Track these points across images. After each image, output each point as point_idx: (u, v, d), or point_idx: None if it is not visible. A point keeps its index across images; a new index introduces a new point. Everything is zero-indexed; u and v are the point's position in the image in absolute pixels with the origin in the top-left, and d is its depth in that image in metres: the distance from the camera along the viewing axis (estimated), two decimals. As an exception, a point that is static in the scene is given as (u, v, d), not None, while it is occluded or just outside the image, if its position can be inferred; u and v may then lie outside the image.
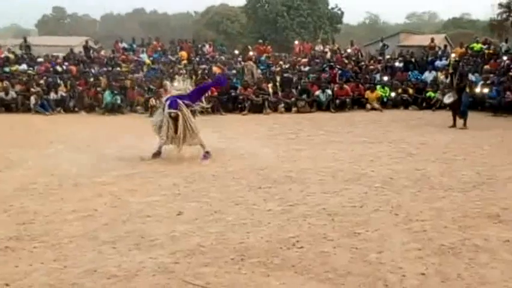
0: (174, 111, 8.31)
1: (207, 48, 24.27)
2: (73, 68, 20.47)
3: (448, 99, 12.59)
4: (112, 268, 4.12)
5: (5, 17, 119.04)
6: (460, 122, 12.50)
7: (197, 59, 22.10)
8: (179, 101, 8.43)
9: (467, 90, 12.87)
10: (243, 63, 20.45)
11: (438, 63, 19.77)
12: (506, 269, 4.05)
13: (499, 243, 4.59)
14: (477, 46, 21.01)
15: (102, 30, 65.04)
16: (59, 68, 20.58)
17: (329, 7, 46.84)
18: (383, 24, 71.90)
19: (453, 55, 21.00)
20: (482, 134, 11.74)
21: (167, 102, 8.52)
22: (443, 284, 3.82)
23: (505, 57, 18.59)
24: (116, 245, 4.63)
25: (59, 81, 18.66)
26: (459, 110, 12.48)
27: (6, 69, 20.07)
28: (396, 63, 20.49)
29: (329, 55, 22.17)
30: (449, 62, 19.81)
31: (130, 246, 4.61)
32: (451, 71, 13.38)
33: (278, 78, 18.61)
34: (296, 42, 27.24)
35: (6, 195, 6.41)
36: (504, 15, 25.71)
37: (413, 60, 20.63)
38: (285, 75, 19.08)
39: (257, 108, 16.82)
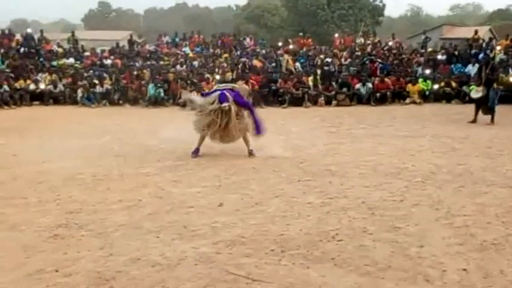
0: (227, 104, 8.14)
1: (247, 41, 24.36)
2: (118, 62, 20.93)
3: (475, 93, 12.12)
4: (155, 257, 4.23)
5: (54, 12, 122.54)
6: (484, 118, 12.04)
7: (238, 52, 22.21)
8: (228, 94, 8.27)
9: (495, 85, 12.38)
10: (279, 57, 20.43)
11: (482, 56, 19.25)
12: (550, 266, 3.98)
13: (544, 240, 4.50)
14: (524, 38, 20.34)
15: (145, 24, 66.17)
16: (104, 62, 21.08)
17: (370, 0, 46.18)
18: (425, 16, 70.34)
19: (498, 48, 20.41)
20: (528, 128, 11.41)
21: (215, 95, 8.31)
22: (484, 280, 3.79)
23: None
24: (160, 235, 4.76)
25: (104, 74, 19.13)
26: (485, 105, 12.00)
27: (54, 63, 20.69)
28: (439, 56, 20.07)
29: (369, 48, 21.90)
30: (494, 55, 19.30)
31: (173, 235, 4.73)
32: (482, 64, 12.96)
33: (318, 71, 18.53)
34: (336, 35, 27.01)
35: (55, 185, 6.65)
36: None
37: (456, 53, 20.14)
38: (326, 68, 18.98)
39: (297, 102, 16.82)
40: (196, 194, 6.15)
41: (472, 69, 17.97)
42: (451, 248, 4.36)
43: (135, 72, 19.23)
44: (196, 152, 8.50)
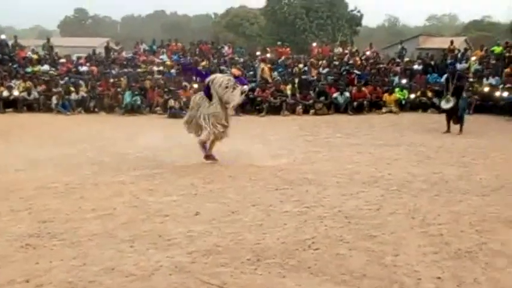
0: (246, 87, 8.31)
1: (226, 49, 24.38)
2: (94, 69, 20.74)
3: (446, 104, 12.24)
4: (130, 267, 4.18)
5: (29, 18, 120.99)
6: (455, 127, 12.23)
7: (215, 60, 22.20)
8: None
9: (464, 94, 12.62)
10: (256, 64, 20.50)
11: (458, 66, 19.58)
12: (523, 274, 4.03)
13: (517, 248, 4.56)
14: (498, 49, 20.76)
15: (123, 31, 65.71)
16: (80, 69, 20.86)
17: (348, 9, 46.62)
18: (402, 26, 71.36)
19: (473, 58, 20.80)
20: (501, 137, 11.62)
21: (231, 83, 8.19)
22: (459, 288, 3.82)
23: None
24: (135, 244, 4.70)
25: (80, 81, 18.92)
26: (455, 115, 12.19)
27: (29, 69, 20.41)
28: (416, 66, 20.37)
29: (347, 57, 22.12)
30: (469, 65, 19.68)
31: (148, 245, 4.67)
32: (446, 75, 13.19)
33: (296, 80, 18.62)
34: (314, 44, 27.20)
35: (28, 194, 6.52)
36: (526, 18, 25.41)
37: (432, 63, 20.47)
38: (303, 77, 19.08)
39: (275, 110, 16.85)
40: (172, 203, 6.09)
41: (447, 79, 18.24)
42: (426, 257, 4.38)
43: (111, 80, 19.08)
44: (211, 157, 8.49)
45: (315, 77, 19.19)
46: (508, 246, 4.60)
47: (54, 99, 17.61)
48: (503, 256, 4.38)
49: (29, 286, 3.83)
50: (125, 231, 5.06)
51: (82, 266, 4.19)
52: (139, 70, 20.72)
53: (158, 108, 17.50)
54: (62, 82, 18.97)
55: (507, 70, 17.10)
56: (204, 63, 21.33)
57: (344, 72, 19.93)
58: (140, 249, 4.58)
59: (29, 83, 18.46)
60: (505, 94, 15.84)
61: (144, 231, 5.04)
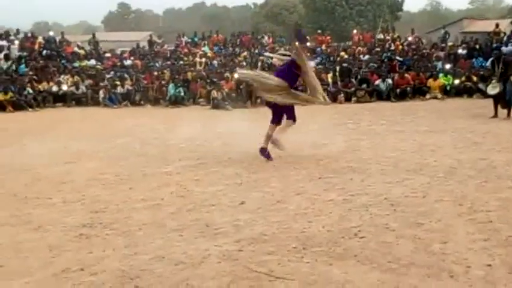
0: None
1: (266, 39, 24.36)
2: (138, 63, 21.12)
3: (492, 90, 11.97)
4: (179, 255, 4.26)
5: (74, 14, 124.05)
6: (503, 112, 11.93)
7: (256, 51, 22.23)
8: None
9: (511, 78, 12.24)
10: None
11: (504, 49, 18.95)
12: None
13: None
14: (546, 30, 20.01)
15: (165, 24, 66.56)
16: (125, 63, 21.29)
17: (389, -5, 45.75)
18: (445, 10, 69.42)
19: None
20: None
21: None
22: (510, 275, 3.74)
23: None
24: (183, 233, 4.79)
25: (125, 75, 19.32)
26: (503, 100, 11.88)
27: (76, 64, 20.97)
28: (460, 51, 19.87)
29: (388, 44, 21.75)
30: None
31: (196, 234, 4.76)
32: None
33: (337, 68, 18.45)
34: (355, 31, 26.83)
35: (80, 185, 6.75)
36: None
37: (477, 47, 19.89)
38: (344, 65, 18.89)
39: (317, 99, 16.73)
40: (218, 193, 6.18)
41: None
42: (475, 244, 4.31)
43: (155, 73, 19.39)
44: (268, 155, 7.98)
45: (357, 64, 18.95)
46: (560, 233, 4.48)
47: (101, 93, 18.07)
48: (555, 243, 4.27)
49: (83, 274, 3.95)
50: (173, 220, 5.17)
51: (134, 255, 4.29)
52: (181, 62, 20.97)
53: (201, 99, 17.71)
54: (108, 76, 19.42)
55: None
56: (244, 53, 21.42)
57: (386, 59, 19.62)
58: (189, 238, 4.66)
59: (76, 78, 18.99)
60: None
61: (191, 221, 5.14)
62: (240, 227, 4.93)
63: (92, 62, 21.48)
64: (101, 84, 18.48)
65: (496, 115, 11.90)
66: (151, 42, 23.96)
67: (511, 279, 3.68)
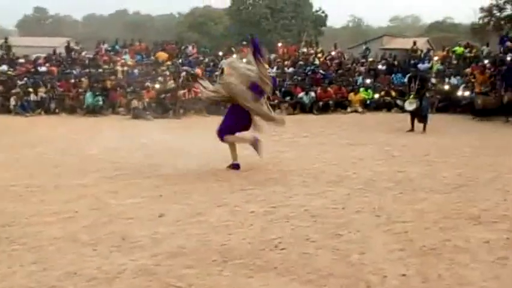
0: None
1: (190, 49, 24.21)
2: (54, 69, 20.28)
3: (409, 105, 12.49)
4: (92, 270, 4.07)
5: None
6: (419, 126, 12.49)
7: (180, 60, 22.02)
8: None
9: (427, 94, 12.93)
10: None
11: (421, 66, 19.97)
12: (485, 269, 4.09)
13: (479, 244, 4.63)
14: (459, 50, 21.31)
15: (84, 31, 64.51)
16: (39, 69, 20.36)
17: (313, 10, 47.01)
18: (366, 27, 72.29)
19: (435, 58, 21.28)
20: (463, 136, 11.88)
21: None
22: (423, 284, 3.84)
23: (486, 61, 18.84)
24: (97, 247, 4.58)
25: (39, 82, 18.47)
26: (419, 115, 12.44)
27: (-14, 70, 19.83)
28: (380, 66, 20.68)
29: (312, 58, 22.28)
30: (432, 65, 20.12)
31: (111, 248, 4.56)
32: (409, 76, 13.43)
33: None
34: (280, 44, 27.28)
35: (-14, 197, 6.31)
36: (485, 20, 26.15)
37: (395, 63, 20.82)
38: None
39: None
40: (136, 205, 5.97)
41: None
42: (392, 254, 4.40)
43: (72, 80, 18.68)
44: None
45: (281, 77, 19.23)
46: (470, 243, 4.67)
47: (12, 100, 17.17)
48: (466, 252, 4.44)
49: (-13, 293, 3.69)
50: (88, 234, 4.93)
51: (43, 271, 4.06)
52: (100, 70, 20.36)
53: (121, 108, 17.23)
54: (20, 83, 18.48)
55: (467, 70, 17.51)
56: (168, 62, 21.16)
57: (309, 72, 20.06)
58: (103, 252, 4.47)
59: (-14, 84, 17.93)
60: (466, 94, 16.22)
61: (106, 234, 4.92)
62: (158, 240, 4.76)
63: (4, 67, 20.38)
64: (13, 91, 17.54)
65: (412, 129, 12.44)
66: (68, 49, 23.10)
67: (425, 289, 3.78)
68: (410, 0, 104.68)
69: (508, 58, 18.40)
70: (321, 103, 17.33)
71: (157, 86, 17.60)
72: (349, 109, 17.38)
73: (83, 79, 18.87)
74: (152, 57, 22.35)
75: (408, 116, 12.78)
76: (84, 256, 4.38)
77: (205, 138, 11.35)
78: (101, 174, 7.70)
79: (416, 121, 12.47)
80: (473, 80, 17.07)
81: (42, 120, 16.16)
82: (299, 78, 19.20)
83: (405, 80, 16.43)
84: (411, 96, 12.46)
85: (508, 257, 4.31)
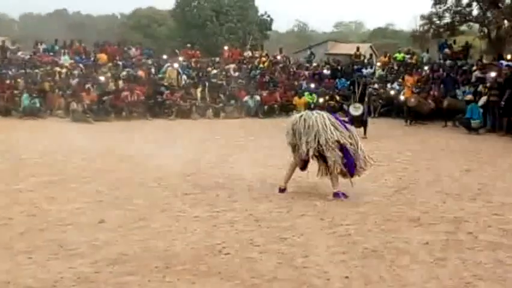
0: None
1: (133, 51, 23.73)
2: (-13, 70, 19.31)
3: (355, 111, 12.50)
4: (27, 279, 3.92)
5: None
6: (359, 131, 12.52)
7: (122, 62, 21.53)
8: None
9: (366, 99, 13.07)
10: (166, 67, 20.14)
11: (364, 71, 20.43)
12: (425, 270, 4.19)
13: (419, 246, 4.76)
14: (400, 56, 21.95)
15: (21, 30, 62.04)
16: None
17: (259, 14, 47.23)
18: (311, 32, 73.28)
19: (378, 64, 21.82)
20: (405, 140, 12.22)
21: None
22: (366, 286, 3.90)
23: (426, 67, 19.49)
24: (33, 255, 4.39)
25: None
26: (360, 120, 12.35)
27: None
28: (324, 71, 20.98)
29: (257, 61, 22.37)
30: (374, 71, 20.61)
31: (48, 256, 4.39)
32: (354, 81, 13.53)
33: (206, 84, 18.50)
34: (226, 47, 27.23)
35: None
36: (425, 27, 27.07)
37: (340, 68, 21.20)
38: (213, 80, 19.02)
39: (185, 114, 16.64)
40: (75, 211, 5.78)
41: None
42: (335, 257, 4.45)
43: (7, 81, 17.85)
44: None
45: (226, 81, 19.20)
46: (411, 244, 4.79)
47: None
48: (406, 254, 4.55)
49: None
50: (23, 242, 4.73)
51: (-27, 281, 3.84)
52: (36, 71, 19.57)
53: (59, 111, 16.63)
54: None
55: (407, 76, 18.01)
56: (110, 64, 20.64)
57: (254, 76, 20.12)
58: (40, 260, 4.29)
59: None
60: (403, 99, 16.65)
61: (44, 242, 4.73)
62: (98, 247, 4.62)
63: None
64: None
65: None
66: (3, 48, 22.11)
67: (367, 291, 3.83)
68: (354, 6, 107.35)
69: (447, 65, 19.08)
70: (266, 107, 17.41)
71: (97, 88, 17.09)
72: (293, 113, 17.50)
73: (19, 80, 18.05)
74: (92, 59, 21.75)
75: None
76: (19, 264, 4.21)
77: (148, 141, 11.20)
78: (38, 179, 7.39)
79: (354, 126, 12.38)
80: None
81: (-25, 122, 15.36)
82: (244, 81, 19.20)
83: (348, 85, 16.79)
84: (356, 102, 12.55)
85: (447, 258, 4.45)
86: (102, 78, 17.74)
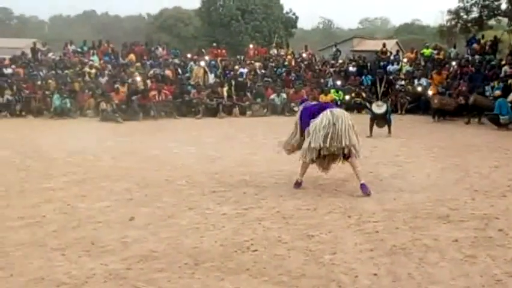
0: None
1: (160, 51, 23.98)
2: (20, 71, 19.78)
3: (378, 109, 12.13)
4: (60, 276, 4.00)
5: None
6: (379, 130, 12.10)
7: (150, 62, 21.79)
8: None
9: (393, 97, 12.77)
10: (193, 66, 20.32)
11: (390, 67, 20.24)
12: (454, 267, 4.15)
13: (448, 243, 4.71)
14: (427, 51, 21.67)
15: (51, 32, 63.23)
16: (5, 71, 19.81)
17: (284, 12, 47.17)
18: (336, 29, 72.94)
19: (405, 60, 21.57)
20: (432, 136, 12.05)
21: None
22: (394, 283, 3.88)
23: (453, 63, 19.20)
24: (65, 252, 4.50)
25: (5, 84, 17.97)
26: (383, 118, 12.04)
27: None
28: (350, 68, 20.85)
29: (283, 59, 22.36)
30: (401, 67, 20.37)
31: (80, 253, 4.49)
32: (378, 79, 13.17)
33: (233, 82, 18.59)
34: (251, 46, 27.28)
35: None
36: (453, 22, 26.61)
37: (365, 64, 21.04)
38: (240, 79, 19.09)
39: (211, 112, 16.75)
40: (105, 209, 5.88)
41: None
42: (362, 254, 4.44)
43: (39, 82, 18.25)
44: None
45: (252, 79, 19.24)
46: (439, 242, 4.74)
47: (-24, 103, 16.67)
48: (435, 251, 4.51)
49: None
50: (55, 239, 4.84)
51: (9, 277, 3.98)
52: (67, 72, 19.95)
53: (89, 111, 16.93)
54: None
55: (434, 75, 17.76)
56: (137, 64, 20.91)
57: (280, 74, 20.12)
58: (72, 257, 4.39)
59: None
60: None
61: (75, 239, 4.83)
62: (128, 244, 4.70)
63: (-33, 69, 19.74)
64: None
65: (371, 135, 11.93)
66: (34, 50, 22.59)
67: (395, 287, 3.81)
68: (380, 1, 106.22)
69: (475, 60, 18.77)
70: (292, 104, 17.39)
71: (126, 88, 17.34)
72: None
73: (50, 81, 18.43)
74: (121, 59, 22.06)
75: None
76: (52, 261, 4.30)
77: (176, 140, 11.32)
78: (69, 177, 7.55)
79: (375, 126, 12.08)
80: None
81: (8, 123, 15.72)
82: (270, 79, 19.22)
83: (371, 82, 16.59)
84: (378, 99, 12.31)
85: (476, 255, 4.39)
86: (138, 79, 17.95)
